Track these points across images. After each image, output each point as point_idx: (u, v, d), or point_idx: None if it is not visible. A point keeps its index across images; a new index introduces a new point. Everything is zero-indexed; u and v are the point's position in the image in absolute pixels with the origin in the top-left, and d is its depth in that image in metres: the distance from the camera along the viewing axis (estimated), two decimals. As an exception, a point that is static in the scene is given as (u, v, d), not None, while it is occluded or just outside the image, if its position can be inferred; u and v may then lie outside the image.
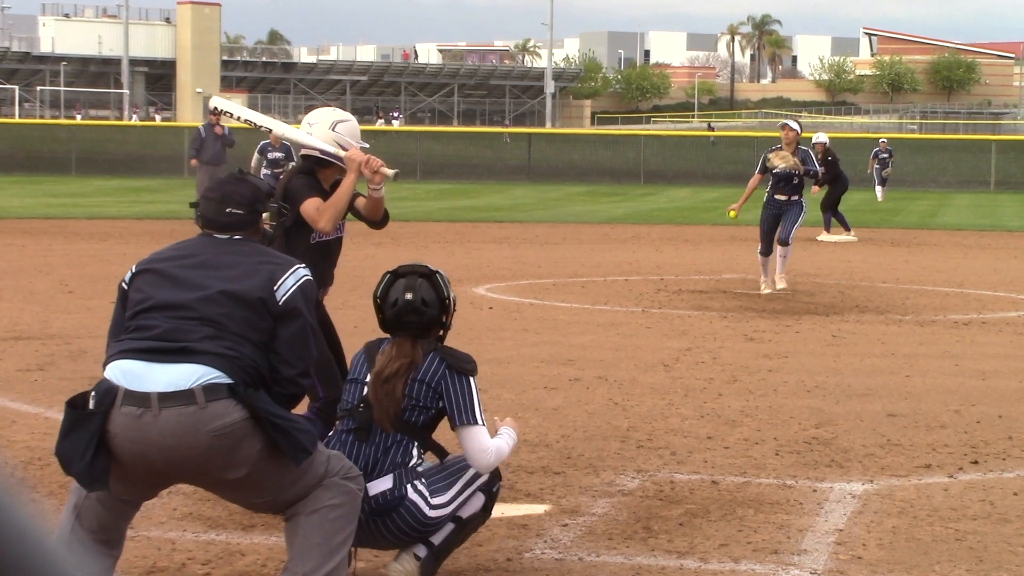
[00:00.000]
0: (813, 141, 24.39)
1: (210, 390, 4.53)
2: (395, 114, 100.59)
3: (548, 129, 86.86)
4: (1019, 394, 9.87)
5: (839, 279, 17.41)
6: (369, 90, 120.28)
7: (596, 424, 8.48)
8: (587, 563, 5.80)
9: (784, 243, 15.71)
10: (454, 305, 5.57)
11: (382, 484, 5.28)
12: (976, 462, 7.72)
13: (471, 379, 5.39)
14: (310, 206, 6.67)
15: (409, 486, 5.27)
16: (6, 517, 1.28)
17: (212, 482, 4.73)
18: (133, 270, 4.90)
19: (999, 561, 5.94)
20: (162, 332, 4.66)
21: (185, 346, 4.61)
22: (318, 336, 4.97)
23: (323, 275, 6.66)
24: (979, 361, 11.26)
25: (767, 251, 15.84)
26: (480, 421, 5.37)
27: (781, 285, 15.78)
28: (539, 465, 7.41)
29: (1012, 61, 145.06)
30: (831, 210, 25.04)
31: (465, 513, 5.38)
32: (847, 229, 24.84)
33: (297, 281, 4.83)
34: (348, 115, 7.15)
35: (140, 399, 4.52)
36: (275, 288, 4.78)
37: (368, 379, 5.41)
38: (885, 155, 36.91)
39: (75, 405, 4.58)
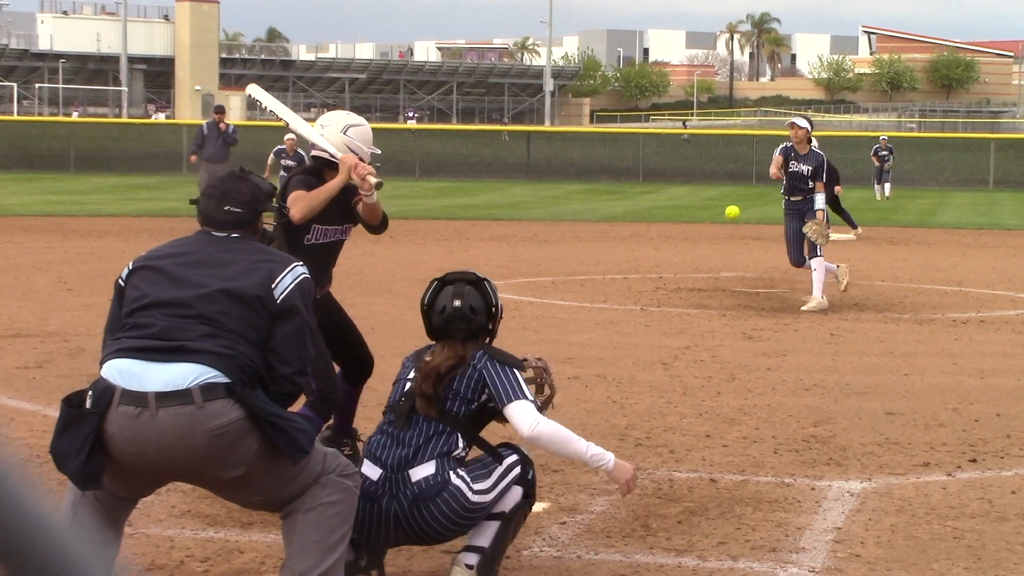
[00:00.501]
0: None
1: (207, 389, 4.52)
2: (411, 113, 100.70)
3: (547, 127, 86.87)
4: (1017, 392, 9.87)
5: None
6: (368, 88, 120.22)
7: (595, 422, 8.48)
8: (585, 561, 5.80)
9: (813, 253, 14.18)
10: (501, 312, 5.54)
11: (425, 470, 5.22)
12: (974, 460, 7.72)
13: (516, 370, 5.34)
14: (292, 196, 6.72)
15: (452, 472, 5.21)
16: (17, 502, 1.28)
17: (210, 481, 4.72)
18: (130, 267, 4.88)
19: (997, 559, 5.94)
20: (159, 330, 4.64)
21: (182, 345, 4.59)
22: (315, 334, 4.97)
23: (318, 276, 6.68)
24: (977, 359, 11.26)
25: (798, 261, 14.52)
26: (529, 396, 5.29)
27: (814, 304, 14.19)
28: (537, 463, 7.39)
29: (1011, 60, 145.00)
30: (832, 206, 24.97)
31: (508, 507, 5.29)
32: (853, 227, 24.77)
33: (295, 279, 4.82)
34: (361, 120, 7.17)
35: (137, 399, 4.51)
36: (273, 286, 4.76)
37: (411, 376, 5.38)
38: (885, 152, 36.97)
39: (71, 403, 4.57)
